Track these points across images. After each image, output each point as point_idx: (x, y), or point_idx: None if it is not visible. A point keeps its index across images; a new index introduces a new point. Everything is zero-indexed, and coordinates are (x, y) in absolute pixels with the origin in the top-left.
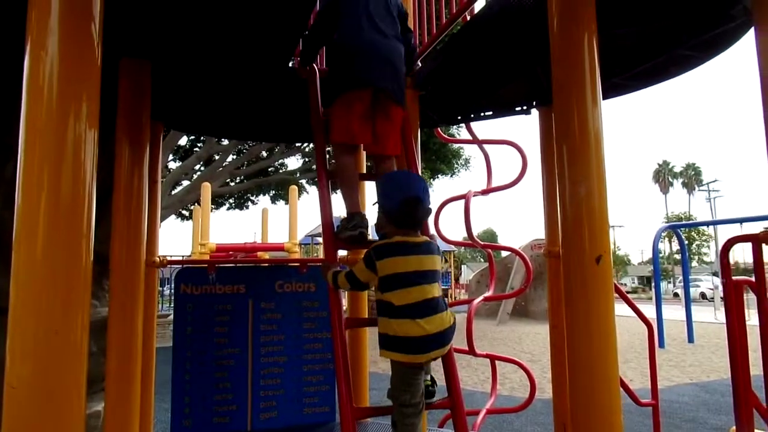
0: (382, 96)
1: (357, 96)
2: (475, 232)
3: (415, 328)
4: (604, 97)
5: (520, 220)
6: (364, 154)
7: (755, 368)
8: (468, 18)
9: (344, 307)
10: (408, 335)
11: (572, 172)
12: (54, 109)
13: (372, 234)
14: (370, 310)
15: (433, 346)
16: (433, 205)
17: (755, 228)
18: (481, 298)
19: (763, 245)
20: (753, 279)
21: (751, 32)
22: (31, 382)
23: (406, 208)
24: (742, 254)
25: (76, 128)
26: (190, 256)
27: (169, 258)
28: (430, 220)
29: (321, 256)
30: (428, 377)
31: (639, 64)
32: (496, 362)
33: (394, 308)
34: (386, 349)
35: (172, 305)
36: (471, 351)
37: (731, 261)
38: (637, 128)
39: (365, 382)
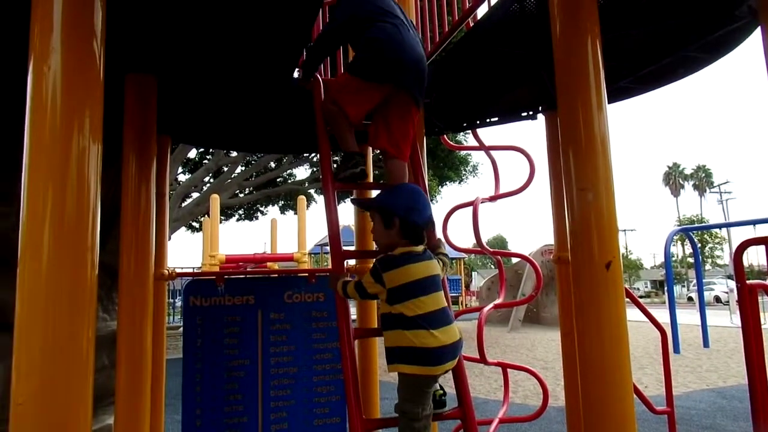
0: (405, 97)
1: (379, 89)
2: (485, 238)
3: (432, 339)
4: (612, 101)
5: (530, 225)
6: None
7: None
8: (471, 24)
9: (353, 317)
10: (425, 346)
11: (579, 177)
12: (57, 125)
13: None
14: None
15: (448, 358)
16: (441, 212)
17: None
18: (491, 305)
19: None
20: (767, 282)
21: (758, 32)
22: (37, 398)
23: (420, 227)
24: (756, 257)
25: (79, 143)
26: (200, 267)
27: (178, 270)
28: (438, 227)
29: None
30: (438, 386)
31: (645, 67)
32: (509, 370)
33: (407, 319)
34: (400, 363)
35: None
36: (482, 359)
37: (745, 264)
38: (647, 130)
39: (376, 392)
